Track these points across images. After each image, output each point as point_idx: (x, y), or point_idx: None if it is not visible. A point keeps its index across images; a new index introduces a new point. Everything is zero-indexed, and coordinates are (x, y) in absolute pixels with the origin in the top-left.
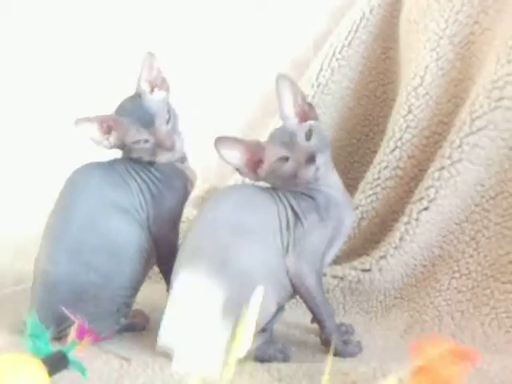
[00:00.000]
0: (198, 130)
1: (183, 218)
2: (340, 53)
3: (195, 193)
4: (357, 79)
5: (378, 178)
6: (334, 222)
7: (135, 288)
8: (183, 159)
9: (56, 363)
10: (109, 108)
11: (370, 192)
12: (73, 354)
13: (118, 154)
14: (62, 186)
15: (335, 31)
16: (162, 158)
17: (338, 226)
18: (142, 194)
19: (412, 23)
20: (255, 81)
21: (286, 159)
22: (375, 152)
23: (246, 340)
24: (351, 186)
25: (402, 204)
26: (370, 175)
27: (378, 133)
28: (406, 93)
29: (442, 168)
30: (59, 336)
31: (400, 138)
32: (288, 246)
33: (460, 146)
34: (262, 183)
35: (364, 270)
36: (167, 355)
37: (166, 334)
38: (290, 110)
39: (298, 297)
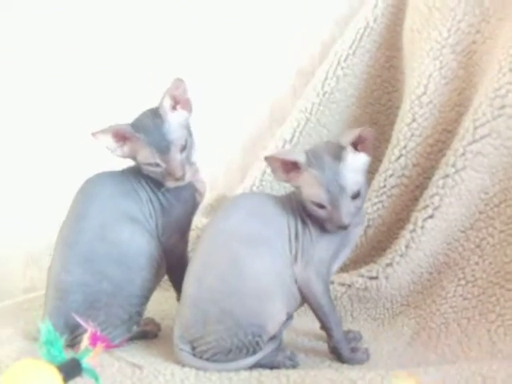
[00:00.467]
0: (205, 139)
1: (192, 227)
2: (345, 61)
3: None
4: (362, 87)
5: (384, 186)
6: (340, 234)
7: (146, 296)
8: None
9: (70, 370)
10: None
11: (376, 200)
12: (86, 361)
13: (129, 162)
14: (73, 195)
15: (340, 40)
16: (170, 184)
17: (345, 237)
18: (152, 203)
19: (415, 32)
20: (262, 90)
21: (322, 207)
22: (380, 160)
23: None
24: None
25: (408, 212)
26: (375, 183)
27: (383, 141)
28: (410, 101)
29: (447, 176)
30: (71, 343)
31: (405, 146)
32: (296, 254)
33: (464, 154)
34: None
35: (371, 278)
36: (179, 362)
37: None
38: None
39: (306, 304)
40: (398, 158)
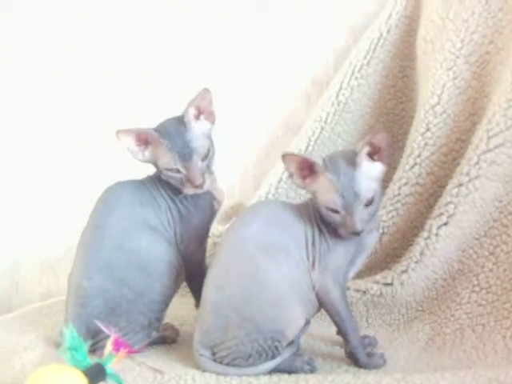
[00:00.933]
0: (220, 147)
1: None
2: (359, 71)
3: None
4: (376, 97)
5: (399, 194)
6: (355, 242)
7: (166, 303)
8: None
9: (95, 375)
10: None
11: (391, 208)
12: (110, 367)
13: (146, 170)
14: (89, 202)
15: (354, 50)
16: (189, 191)
17: (361, 244)
18: (170, 211)
19: (428, 43)
20: (277, 99)
21: (336, 212)
22: (395, 168)
23: None
24: None
25: (422, 219)
26: (390, 191)
27: (397, 149)
28: (424, 111)
29: (461, 184)
30: (92, 349)
31: (419, 155)
32: (314, 261)
33: (477, 163)
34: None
35: (386, 284)
36: (199, 367)
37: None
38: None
39: (322, 310)
40: (413, 166)
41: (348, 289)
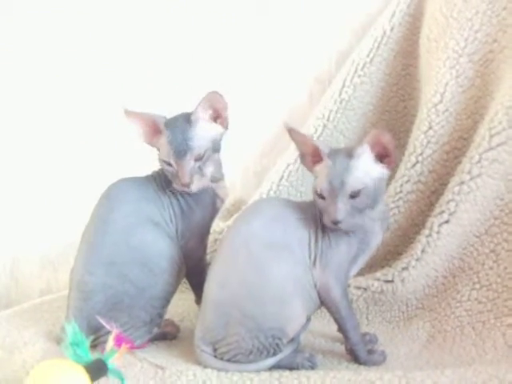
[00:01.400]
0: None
1: None
2: (362, 69)
3: None
4: (378, 95)
5: (400, 192)
6: (358, 240)
7: (168, 299)
8: (217, 179)
9: (97, 370)
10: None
11: (393, 205)
12: (111, 362)
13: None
14: (89, 199)
15: (357, 48)
16: (177, 187)
17: (364, 244)
18: (173, 207)
19: (432, 41)
20: (279, 96)
21: (323, 198)
22: (397, 166)
23: None
24: None
25: (424, 217)
26: (392, 189)
27: (400, 147)
28: (427, 109)
29: (462, 182)
30: (93, 344)
31: (421, 153)
32: (315, 259)
33: (479, 162)
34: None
35: (387, 281)
36: (200, 363)
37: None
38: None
39: (323, 307)
40: (415, 164)
41: (349, 286)
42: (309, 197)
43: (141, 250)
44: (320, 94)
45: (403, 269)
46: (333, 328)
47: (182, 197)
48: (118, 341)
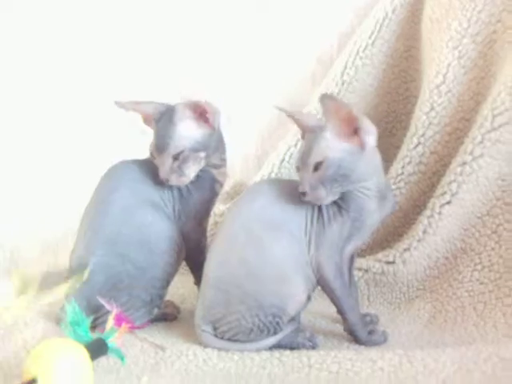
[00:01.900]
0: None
1: None
2: (364, 51)
3: None
4: (380, 77)
5: (402, 173)
6: (352, 219)
7: (168, 280)
8: (217, 166)
9: (97, 349)
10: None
11: (394, 187)
12: (111, 341)
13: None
14: (88, 182)
15: (358, 30)
16: (160, 175)
17: (358, 221)
18: (171, 189)
19: (434, 22)
20: (281, 78)
21: (298, 169)
22: (398, 148)
23: None
24: None
25: (425, 198)
26: (393, 170)
27: (401, 129)
28: (429, 90)
29: (464, 163)
30: (93, 325)
31: (423, 135)
32: (310, 238)
33: (482, 142)
34: None
35: (388, 263)
36: (201, 342)
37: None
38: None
39: None
40: (416, 145)
41: None
42: None
43: (141, 231)
44: (322, 76)
45: (405, 250)
46: (332, 309)
47: None
48: (118, 320)
